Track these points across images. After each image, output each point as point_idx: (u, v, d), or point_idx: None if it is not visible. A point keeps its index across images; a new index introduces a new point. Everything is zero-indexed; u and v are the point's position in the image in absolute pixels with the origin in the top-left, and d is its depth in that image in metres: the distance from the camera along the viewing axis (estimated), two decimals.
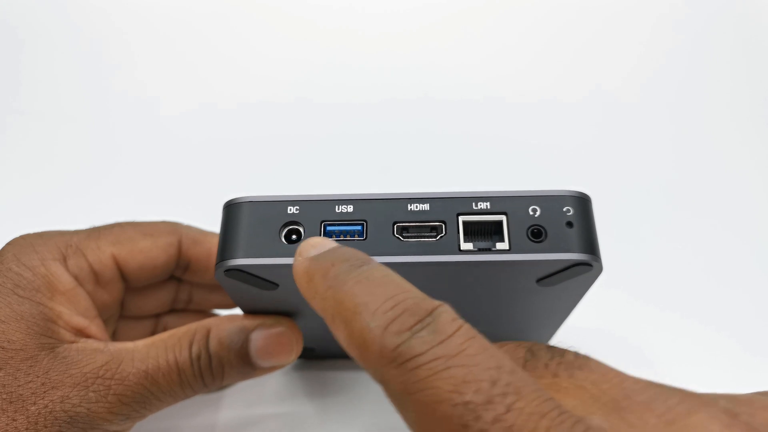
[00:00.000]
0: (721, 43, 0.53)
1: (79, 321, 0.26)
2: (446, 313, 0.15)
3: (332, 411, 0.33)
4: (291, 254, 0.21)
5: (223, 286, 0.24)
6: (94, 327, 0.27)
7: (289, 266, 0.21)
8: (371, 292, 0.16)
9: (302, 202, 0.22)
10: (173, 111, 0.51)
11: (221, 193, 0.26)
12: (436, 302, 0.16)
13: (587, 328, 0.34)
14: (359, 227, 0.22)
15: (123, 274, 0.29)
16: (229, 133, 0.49)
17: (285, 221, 0.22)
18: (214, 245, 0.30)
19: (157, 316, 0.34)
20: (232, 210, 0.23)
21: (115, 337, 0.32)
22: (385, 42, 0.53)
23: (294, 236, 0.22)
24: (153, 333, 0.34)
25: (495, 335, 0.33)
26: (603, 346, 0.34)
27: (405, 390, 0.14)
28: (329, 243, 0.19)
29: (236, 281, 0.23)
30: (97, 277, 0.28)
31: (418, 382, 0.14)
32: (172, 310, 0.34)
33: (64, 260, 0.27)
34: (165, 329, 0.34)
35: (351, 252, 0.18)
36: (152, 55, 0.53)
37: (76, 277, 0.27)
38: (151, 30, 0.54)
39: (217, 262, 0.22)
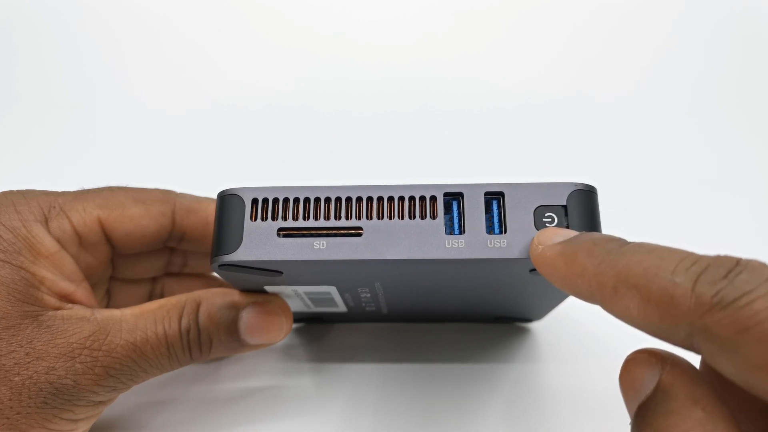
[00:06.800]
0: (731, 44, 0.50)
1: (65, 286, 0.25)
2: (755, 260, 0.15)
3: (329, 384, 0.33)
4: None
5: (221, 275, 0.23)
6: (81, 292, 0.26)
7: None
8: (659, 256, 0.16)
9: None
10: (169, 112, 0.49)
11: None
12: (736, 256, 0.15)
13: (587, 308, 0.34)
14: None
15: (109, 240, 0.28)
16: (225, 140, 0.48)
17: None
18: (210, 213, 0.29)
19: (154, 279, 0.33)
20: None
21: (110, 298, 0.32)
22: (383, 49, 0.51)
23: None
24: (150, 295, 0.33)
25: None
26: (603, 327, 0.34)
27: (739, 328, 0.14)
28: (571, 231, 0.20)
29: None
30: (81, 239, 0.26)
31: (756, 314, 0.14)
32: (169, 273, 0.33)
33: (45, 222, 0.25)
34: (162, 292, 0.33)
35: (606, 234, 0.19)
36: (145, 61, 0.51)
37: (58, 240, 0.25)
38: (146, 33, 0.52)
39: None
